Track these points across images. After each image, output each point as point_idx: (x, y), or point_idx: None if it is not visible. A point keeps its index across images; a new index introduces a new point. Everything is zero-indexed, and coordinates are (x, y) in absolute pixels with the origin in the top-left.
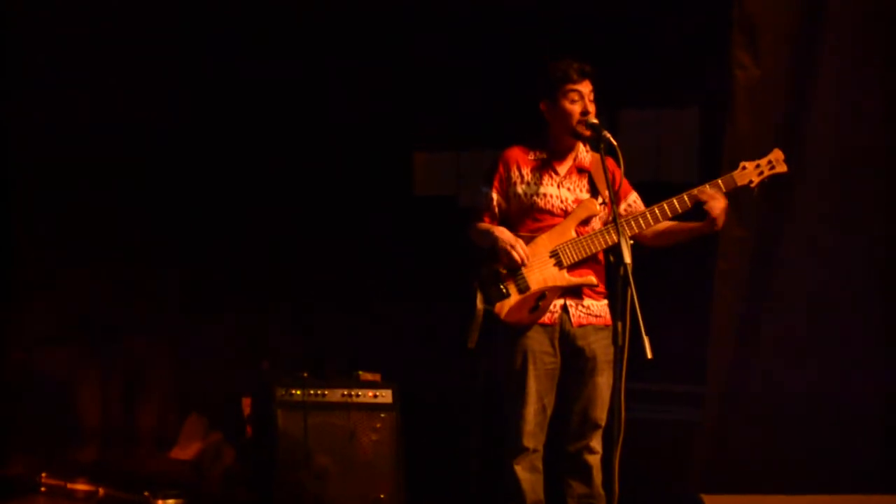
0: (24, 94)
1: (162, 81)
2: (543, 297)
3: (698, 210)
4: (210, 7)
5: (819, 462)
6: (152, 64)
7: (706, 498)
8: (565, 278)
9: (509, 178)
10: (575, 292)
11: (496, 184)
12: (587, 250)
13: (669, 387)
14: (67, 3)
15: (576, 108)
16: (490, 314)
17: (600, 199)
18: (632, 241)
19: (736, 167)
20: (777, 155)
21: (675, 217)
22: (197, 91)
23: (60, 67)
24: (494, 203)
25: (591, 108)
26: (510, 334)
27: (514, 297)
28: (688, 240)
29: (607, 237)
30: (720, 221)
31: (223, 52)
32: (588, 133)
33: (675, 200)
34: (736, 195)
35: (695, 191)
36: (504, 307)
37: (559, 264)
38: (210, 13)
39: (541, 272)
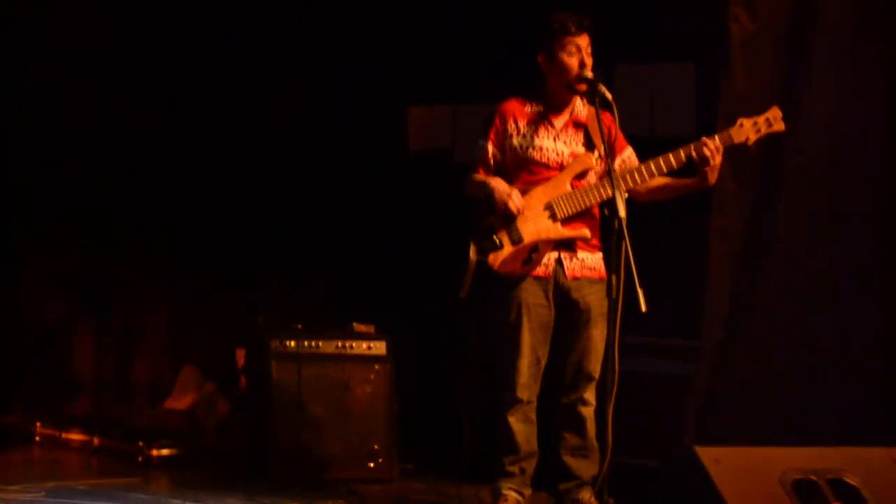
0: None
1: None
2: (536, 249)
3: (691, 165)
4: None
5: (812, 414)
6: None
7: (699, 450)
8: (559, 231)
9: (505, 130)
10: (568, 245)
11: (492, 136)
12: (582, 204)
13: (663, 340)
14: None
15: (573, 61)
16: (483, 265)
17: (596, 154)
18: (626, 196)
19: (732, 122)
20: (775, 112)
21: (670, 173)
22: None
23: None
24: (490, 155)
25: (589, 61)
26: (504, 286)
27: (508, 249)
28: (681, 195)
29: (602, 191)
30: (713, 178)
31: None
32: (584, 87)
33: (670, 156)
34: (732, 152)
35: (691, 146)
36: (497, 258)
37: (553, 217)
38: None
39: (535, 224)
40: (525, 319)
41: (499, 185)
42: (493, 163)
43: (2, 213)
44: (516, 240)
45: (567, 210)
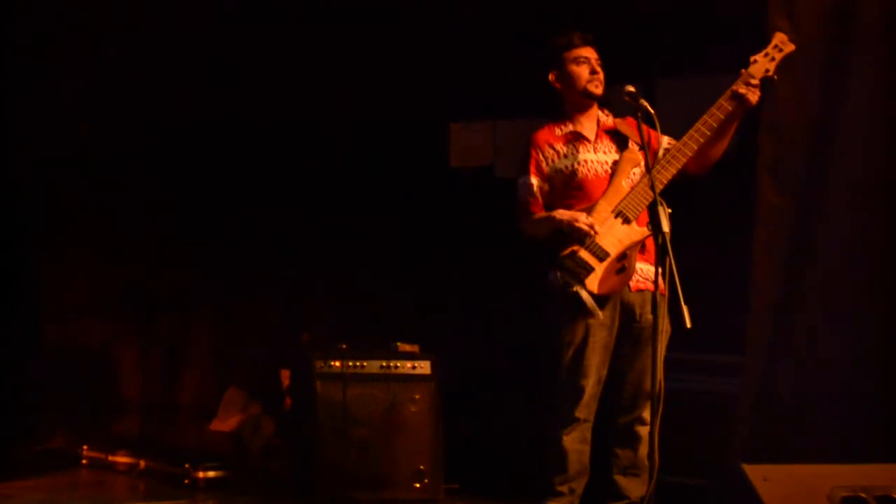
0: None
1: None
2: (625, 255)
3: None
4: None
5: (859, 431)
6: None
7: (747, 468)
8: (638, 231)
9: (545, 158)
10: (641, 249)
11: (532, 168)
12: (648, 196)
13: (709, 357)
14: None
15: (583, 70)
16: (581, 295)
17: (637, 146)
18: (669, 210)
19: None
20: (779, 36)
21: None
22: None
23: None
24: (536, 188)
25: (600, 72)
26: (567, 305)
27: (599, 268)
28: (729, 132)
29: (660, 175)
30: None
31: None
32: (598, 92)
33: (713, 109)
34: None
35: (727, 94)
36: (594, 281)
37: (626, 221)
38: None
39: (613, 235)
40: (591, 340)
41: (561, 214)
42: (541, 194)
43: (43, 232)
44: (602, 256)
45: (637, 209)
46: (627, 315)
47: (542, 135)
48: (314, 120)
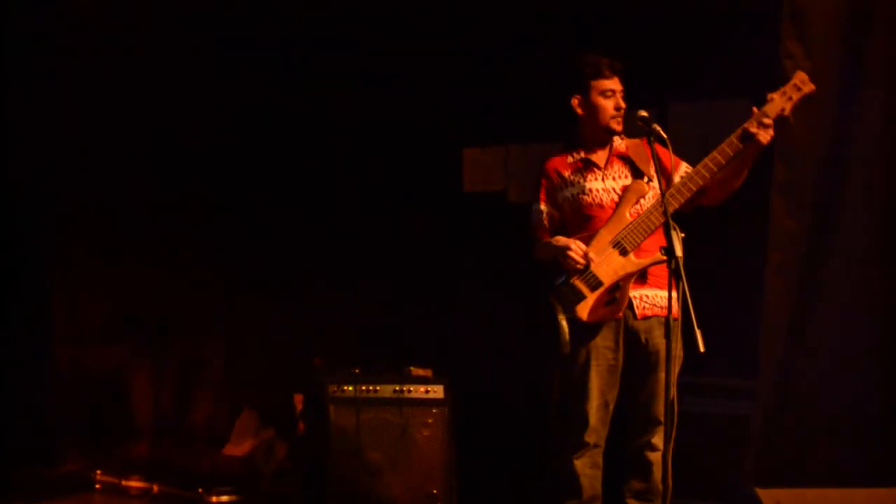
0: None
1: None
2: (617, 286)
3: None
4: None
5: (871, 453)
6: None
7: (761, 492)
8: (634, 263)
9: (554, 186)
10: (642, 277)
11: (543, 196)
12: (647, 229)
13: (722, 380)
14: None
15: (609, 105)
16: (573, 322)
17: (645, 178)
18: (683, 235)
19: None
20: (801, 76)
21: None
22: (239, 86)
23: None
24: (545, 215)
25: (623, 106)
26: (573, 330)
27: (591, 297)
28: (743, 169)
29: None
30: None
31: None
32: (619, 129)
33: (724, 146)
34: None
35: (738, 131)
36: (584, 309)
37: (623, 252)
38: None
39: (609, 265)
40: (594, 363)
41: (559, 241)
42: (550, 221)
43: (58, 255)
44: (595, 285)
45: (635, 240)
46: (632, 340)
47: (553, 163)
48: (331, 143)
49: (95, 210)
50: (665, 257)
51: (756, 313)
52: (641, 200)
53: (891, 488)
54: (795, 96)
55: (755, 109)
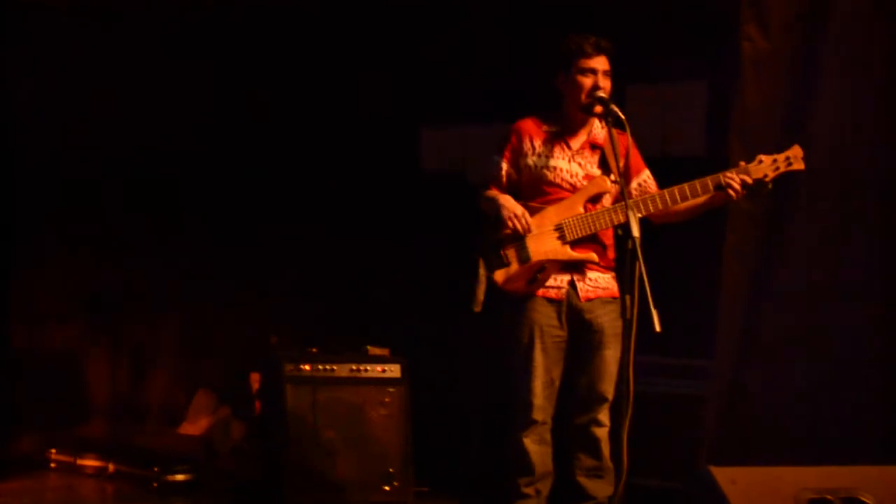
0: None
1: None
2: (543, 269)
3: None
4: None
5: (827, 432)
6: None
7: (715, 470)
8: (567, 253)
9: (521, 148)
10: (577, 267)
11: (507, 154)
12: (592, 227)
13: (678, 360)
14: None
15: (587, 82)
16: (488, 281)
17: (612, 177)
18: (640, 215)
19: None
20: (796, 151)
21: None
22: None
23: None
24: (504, 172)
25: (606, 83)
26: (516, 308)
27: (515, 267)
28: (697, 215)
29: (613, 216)
30: (737, 198)
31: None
32: (600, 109)
33: (697, 184)
34: (751, 187)
35: (717, 178)
36: (503, 275)
37: (562, 238)
38: None
39: (543, 244)
40: (538, 341)
41: (508, 202)
42: (507, 180)
43: (9, 233)
44: (524, 258)
45: (577, 232)
46: (576, 319)
47: (526, 125)
48: (285, 122)
49: (52, 190)
50: (596, 259)
51: (712, 294)
52: (603, 198)
53: (847, 466)
54: (783, 168)
55: (742, 164)
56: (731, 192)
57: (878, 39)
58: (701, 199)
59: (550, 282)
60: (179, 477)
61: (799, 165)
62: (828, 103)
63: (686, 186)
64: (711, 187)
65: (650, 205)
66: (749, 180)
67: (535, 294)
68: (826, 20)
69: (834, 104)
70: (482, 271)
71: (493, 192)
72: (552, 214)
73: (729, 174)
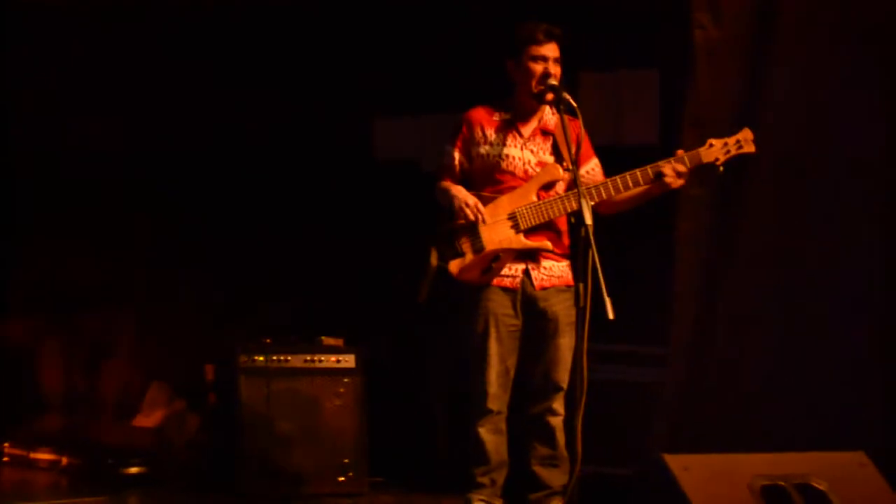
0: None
1: None
2: (497, 258)
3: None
4: None
5: (779, 418)
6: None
7: (668, 458)
8: (521, 241)
9: (472, 137)
10: (532, 256)
11: (459, 143)
12: (545, 215)
13: (632, 348)
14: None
15: (538, 69)
16: (443, 272)
17: (564, 165)
18: (593, 203)
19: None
20: (746, 134)
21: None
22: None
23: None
24: (456, 162)
25: (556, 70)
26: (471, 297)
27: (469, 257)
28: (641, 203)
29: (566, 203)
30: (675, 186)
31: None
32: (551, 96)
33: (637, 172)
34: (700, 171)
35: (659, 165)
36: (457, 265)
37: (516, 227)
38: None
39: (497, 234)
40: (493, 330)
41: (460, 192)
42: (460, 170)
43: None
44: (478, 248)
45: (530, 221)
46: (531, 307)
47: (477, 114)
48: (237, 115)
49: (7, 182)
50: (550, 247)
51: (666, 281)
52: (556, 186)
53: (800, 452)
54: (734, 151)
55: (679, 152)
56: (666, 180)
57: (831, 27)
58: (641, 189)
59: (505, 271)
60: (134, 470)
61: (749, 148)
62: (781, 91)
63: (628, 175)
64: (651, 174)
65: (593, 194)
66: (683, 168)
67: (489, 283)
68: (779, 7)
69: (787, 91)
70: (434, 261)
71: (447, 183)
72: (505, 203)
73: (663, 163)
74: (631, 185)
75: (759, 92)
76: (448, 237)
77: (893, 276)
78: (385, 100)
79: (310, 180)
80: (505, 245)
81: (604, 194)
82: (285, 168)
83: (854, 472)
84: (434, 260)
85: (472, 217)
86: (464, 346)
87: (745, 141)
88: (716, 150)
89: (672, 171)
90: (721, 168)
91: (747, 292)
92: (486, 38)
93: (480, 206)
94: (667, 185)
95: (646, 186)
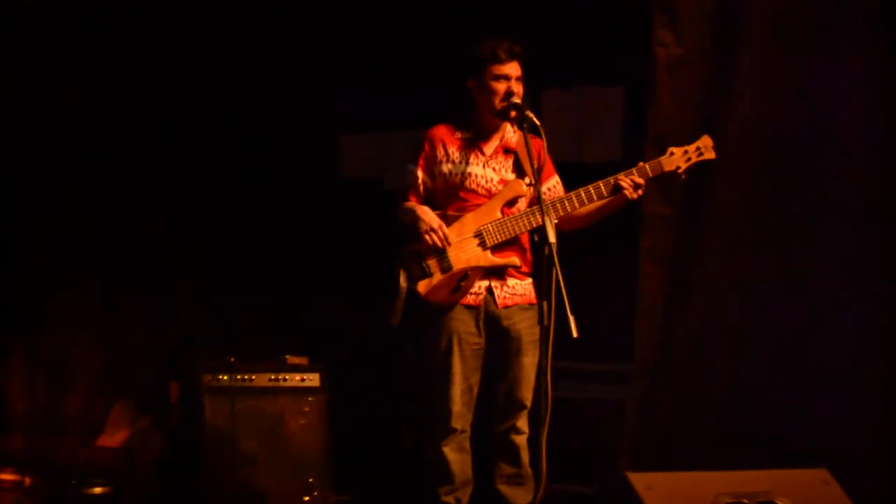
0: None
1: None
2: (466, 277)
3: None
4: None
5: (744, 439)
6: None
7: (632, 476)
8: (488, 259)
9: (435, 156)
10: (498, 273)
11: (421, 162)
12: (511, 231)
13: (596, 365)
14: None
15: (501, 88)
16: (413, 293)
17: (527, 181)
18: (555, 221)
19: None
20: (706, 141)
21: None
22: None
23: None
24: (420, 181)
25: (518, 89)
26: (435, 316)
27: (437, 277)
28: (601, 218)
29: (532, 219)
30: (632, 198)
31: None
32: (513, 114)
33: (601, 184)
34: (662, 180)
35: (618, 176)
36: (427, 286)
37: (483, 245)
38: None
39: (464, 252)
40: (456, 348)
41: (425, 215)
42: (424, 189)
43: None
44: (446, 268)
45: (497, 237)
46: (494, 326)
47: (439, 132)
48: (202, 130)
49: None
50: (518, 263)
51: (630, 298)
52: (518, 202)
53: (763, 470)
54: (695, 158)
55: (640, 164)
56: (624, 192)
57: (796, 42)
58: (600, 204)
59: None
60: (97, 490)
61: (710, 155)
62: (744, 107)
63: (591, 188)
64: (610, 188)
65: (559, 207)
66: (640, 180)
67: (457, 303)
68: (742, 24)
69: (748, 106)
70: (403, 283)
71: (411, 203)
72: (470, 221)
73: (621, 175)
74: (595, 197)
75: (723, 109)
76: (415, 258)
77: (863, 290)
78: (350, 117)
79: (276, 196)
80: (473, 263)
81: (568, 208)
82: (251, 183)
83: (817, 490)
84: (403, 281)
85: (437, 242)
86: (426, 364)
87: (705, 148)
88: (677, 159)
89: (629, 182)
90: (683, 176)
91: (711, 309)
92: (451, 55)
93: (445, 228)
94: (625, 196)
95: (605, 200)
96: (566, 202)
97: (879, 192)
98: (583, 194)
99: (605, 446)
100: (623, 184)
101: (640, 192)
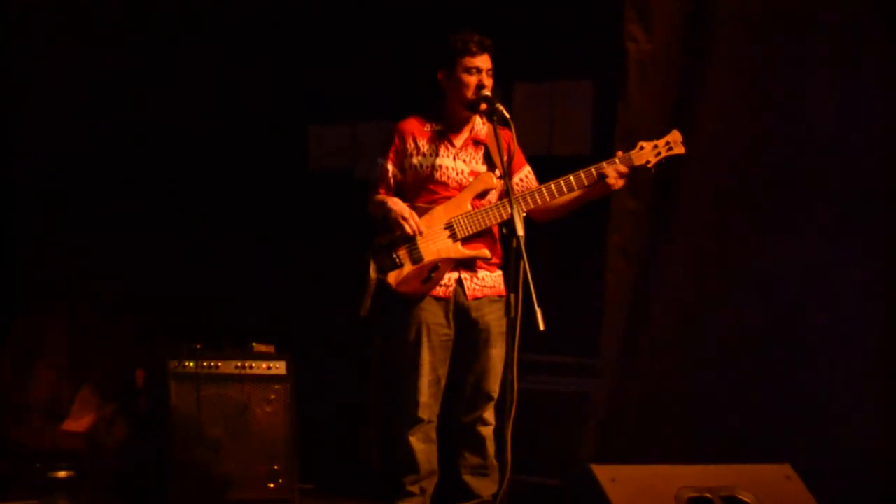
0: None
1: None
2: (436, 268)
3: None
4: None
5: (708, 433)
6: None
7: (596, 468)
8: (459, 251)
9: (405, 149)
10: (469, 265)
11: (391, 155)
12: (482, 223)
13: (562, 358)
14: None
15: (472, 81)
16: (382, 284)
17: (498, 173)
18: (524, 214)
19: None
20: (675, 136)
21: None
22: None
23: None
24: (390, 174)
25: (488, 82)
26: (404, 307)
27: (408, 268)
28: (577, 208)
29: (502, 211)
30: (616, 187)
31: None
32: (483, 106)
33: (571, 178)
34: (632, 174)
35: (592, 170)
36: (397, 277)
37: (453, 236)
38: None
39: (435, 244)
40: (425, 339)
41: (396, 205)
42: (394, 182)
43: None
44: (416, 259)
45: (467, 230)
46: (463, 317)
47: (409, 125)
48: (171, 121)
49: None
50: (489, 255)
51: (597, 292)
52: (489, 194)
53: (727, 465)
54: (664, 153)
55: (620, 154)
56: (609, 181)
57: (769, 39)
58: (577, 193)
59: None
60: (62, 474)
61: (679, 150)
62: (716, 103)
63: (572, 177)
64: (585, 181)
65: (529, 201)
66: (624, 169)
67: (427, 294)
68: (714, 20)
69: (722, 103)
70: (373, 274)
71: (381, 196)
72: (441, 213)
73: (605, 164)
74: (565, 190)
75: (695, 104)
76: (386, 249)
77: (830, 290)
78: (320, 106)
79: (243, 186)
80: (443, 255)
81: (539, 200)
82: (220, 173)
83: (780, 485)
84: (373, 273)
85: (409, 230)
86: (395, 354)
87: (674, 143)
88: (646, 153)
89: (614, 171)
90: (653, 170)
91: (678, 303)
92: (420, 47)
93: (416, 217)
94: (608, 185)
95: (583, 190)
96: (536, 195)
97: (855, 190)
98: (562, 184)
99: (570, 439)
100: (608, 172)
101: (623, 181)
